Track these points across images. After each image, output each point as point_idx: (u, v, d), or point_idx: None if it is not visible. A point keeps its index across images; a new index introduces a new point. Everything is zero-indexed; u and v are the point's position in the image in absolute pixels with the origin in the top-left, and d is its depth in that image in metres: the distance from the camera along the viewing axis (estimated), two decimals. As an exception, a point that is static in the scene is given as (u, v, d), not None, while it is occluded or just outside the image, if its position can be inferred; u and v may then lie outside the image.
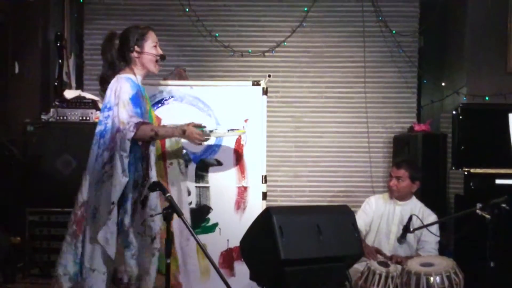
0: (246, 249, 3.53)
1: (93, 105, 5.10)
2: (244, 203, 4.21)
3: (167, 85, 4.25)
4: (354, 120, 5.96)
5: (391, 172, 4.42)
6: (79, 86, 5.90)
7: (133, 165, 3.45)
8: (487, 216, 3.47)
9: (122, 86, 3.47)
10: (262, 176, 4.22)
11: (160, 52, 3.65)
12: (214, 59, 5.98)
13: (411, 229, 3.94)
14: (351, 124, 5.96)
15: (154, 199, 3.56)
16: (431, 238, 4.19)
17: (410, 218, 3.95)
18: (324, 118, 5.97)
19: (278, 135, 5.90)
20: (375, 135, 5.94)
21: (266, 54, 5.95)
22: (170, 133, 3.65)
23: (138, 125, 3.39)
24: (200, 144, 3.79)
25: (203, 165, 4.21)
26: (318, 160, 5.95)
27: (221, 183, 4.20)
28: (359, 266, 3.95)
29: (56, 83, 5.53)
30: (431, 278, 3.62)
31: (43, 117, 5.08)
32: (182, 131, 3.59)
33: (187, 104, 4.22)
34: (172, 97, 4.22)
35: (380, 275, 3.84)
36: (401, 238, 4.11)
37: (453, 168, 5.12)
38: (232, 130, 3.96)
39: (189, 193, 4.17)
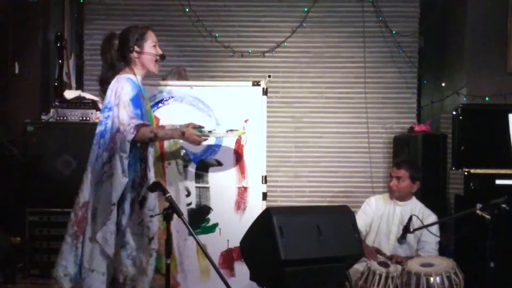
0: (246, 250, 3.53)
1: (93, 105, 5.10)
2: (244, 203, 4.20)
3: (167, 85, 4.24)
4: (354, 121, 5.95)
5: (391, 173, 4.42)
6: (79, 86, 5.90)
7: (132, 165, 3.45)
8: (487, 217, 3.46)
9: (123, 86, 3.46)
10: (262, 176, 4.22)
11: (160, 52, 3.65)
12: (214, 59, 5.98)
13: (411, 230, 3.94)
14: (351, 124, 5.96)
15: (153, 199, 3.54)
16: (431, 239, 4.18)
17: (410, 219, 3.95)
18: (324, 119, 5.97)
19: (278, 135, 5.89)
20: (375, 135, 5.94)
21: (266, 54, 5.95)
22: (169, 135, 3.66)
23: (138, 127, 3.39)
24: (199, 144, 3.79)
25: (203, 165, 4.20)
26: (318, 160, 5.94)
27: (221, 183, 4.19)
28: (359, 266, 3.95)
29: (56, 83, 5.53)
30: (431, 279, 3.62)
31: (43, 117, 5.07)
32: (181, 133, 3.60)
33: (187, 104, 4.21)
34: (172, 97, 4.21)
35: (380, 276, 3.83)
36: (401, 239, 4.12)
37: (453, 168, 5.12)
38: (231, 130, 3.95)
39: (188, 194, 4.16)
